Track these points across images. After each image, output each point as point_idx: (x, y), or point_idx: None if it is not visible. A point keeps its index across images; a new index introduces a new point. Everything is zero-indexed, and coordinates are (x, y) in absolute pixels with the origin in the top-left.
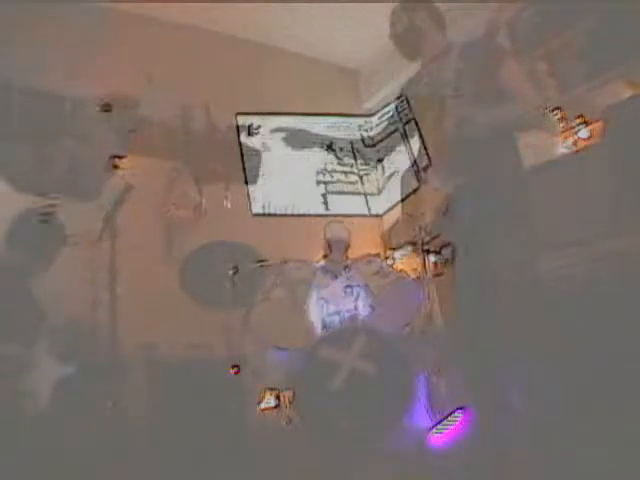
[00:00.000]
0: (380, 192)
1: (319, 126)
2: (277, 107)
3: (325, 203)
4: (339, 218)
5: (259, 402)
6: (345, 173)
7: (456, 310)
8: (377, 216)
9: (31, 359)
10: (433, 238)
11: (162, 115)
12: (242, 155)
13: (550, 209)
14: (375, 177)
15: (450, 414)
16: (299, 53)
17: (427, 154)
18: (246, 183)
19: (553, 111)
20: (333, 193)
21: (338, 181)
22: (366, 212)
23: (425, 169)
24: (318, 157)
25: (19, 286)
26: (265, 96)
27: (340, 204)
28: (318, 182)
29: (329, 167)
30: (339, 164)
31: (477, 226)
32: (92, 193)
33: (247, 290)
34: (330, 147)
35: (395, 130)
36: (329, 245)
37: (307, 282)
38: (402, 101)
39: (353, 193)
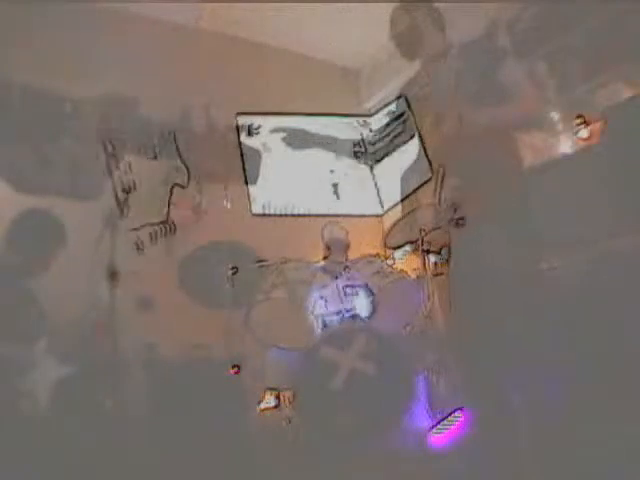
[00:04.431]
0: (379, 192)
1: (319, 126)
2: (277, 107)
3: (325, 203)
4: (335, 219)
5: (259, 402)
6: (345, 172)
7: (456, 310)
8: (377, 216)
9: (31, 359)
10: (434, 229)
11: (162, 115)
12: (242, 155)
13: (550, 209)
14: (375, 177)
15: (450, 414)
16: (299, 53)
17: (425, 153)
18: (246, 183)
19: (553, 111)
20: (333, 192)
21: (338, 180)
22: (366, 212)
23: (427, 182)
24: (318, 157)
25: (19, 286)
26: (265, 96)
27: (340, 203)
28: (319, 181)
29: (329, 166)
30: (339, 163)
31: (477, 226)
32: (92, 193)
33: (247, 290)
34: (330, 146)
35: (395, 130)
36: (328, 247)
37: (307, 282)
38: (402, 101)
39: (353, 192)
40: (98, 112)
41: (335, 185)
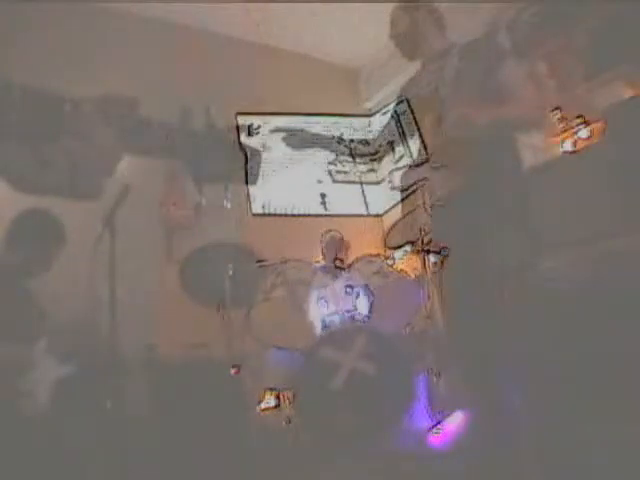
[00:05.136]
0: (379, 192)
1: (319, 126)
2: (277, 107)
3: (324, 204)
4: (335, 228)
5: (259, 402)
6: (345, 173)
7: (456, 310)
8: (377, 216)
9: (31, 359)
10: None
11: (162, 115)
12: (243, 155)
13: (550, 209)
14: (375, 177)
15: (450, 414)
16: (299, 53)
17: (425, 149)
18: (246, 183)
19: (553, 111)
20: (333, 193)
21: (338, 181)
22: (365, 212)
23: (422, 164)
24: (317, 157)
25: (19, 286)
26: (265, 96)
27: (340, 204)
28: (318, 181)
29: (328, 167)
30: (339, 163)
31: (477, 226)
32: (92, 193)
33: (247, 290)
34: (330, 146)
35: (395, 130)
36: (324, 254)
37: (307, 282)
38: (402, 101)
39: (353, 193)
40: (98, 112)
41: (335, 185)
